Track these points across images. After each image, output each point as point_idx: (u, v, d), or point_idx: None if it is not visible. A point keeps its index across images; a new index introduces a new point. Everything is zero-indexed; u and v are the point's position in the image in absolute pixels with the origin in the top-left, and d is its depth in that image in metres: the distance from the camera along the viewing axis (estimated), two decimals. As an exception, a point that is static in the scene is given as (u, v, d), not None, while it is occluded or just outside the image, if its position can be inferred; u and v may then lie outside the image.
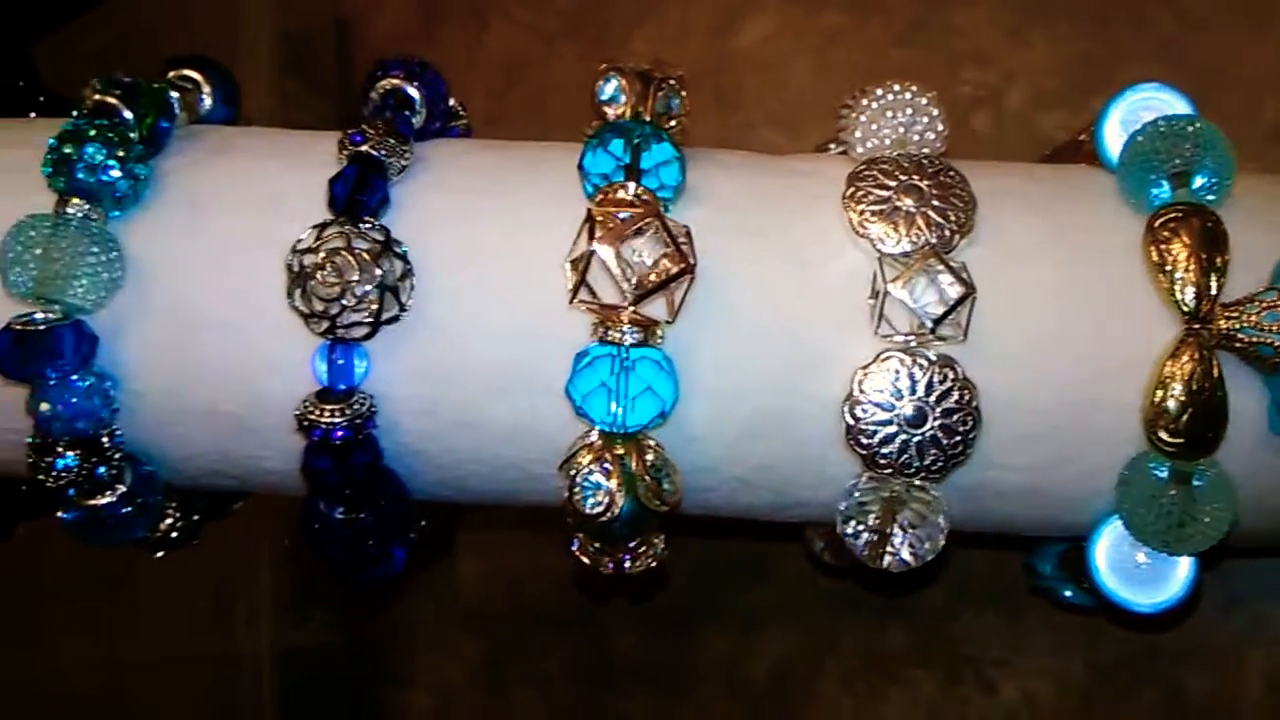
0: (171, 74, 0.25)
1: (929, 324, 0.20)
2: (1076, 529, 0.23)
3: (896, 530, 0.22)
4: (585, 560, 0.22)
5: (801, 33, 0.37)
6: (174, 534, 0.26)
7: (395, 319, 0.21)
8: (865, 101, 0.23)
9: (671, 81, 0.23)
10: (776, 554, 0.33)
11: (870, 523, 0.22)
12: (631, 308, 0.20)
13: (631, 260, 0.20)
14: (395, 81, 0.24)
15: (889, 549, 0.22)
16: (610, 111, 0.22)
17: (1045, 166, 0.24)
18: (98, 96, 0.22)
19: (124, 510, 0.23)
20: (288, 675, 0.40)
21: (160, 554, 0.26)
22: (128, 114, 0.22)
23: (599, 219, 0.20)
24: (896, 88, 0.23)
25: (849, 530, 0.22)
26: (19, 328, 0.21)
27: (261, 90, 0.43)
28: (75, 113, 0.23)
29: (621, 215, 0.20)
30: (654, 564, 0.22)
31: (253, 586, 0.40)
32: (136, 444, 0.23)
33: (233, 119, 0.26)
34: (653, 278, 0.20)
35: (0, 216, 0.22)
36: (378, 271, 0.21)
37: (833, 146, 0.26)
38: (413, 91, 0.24)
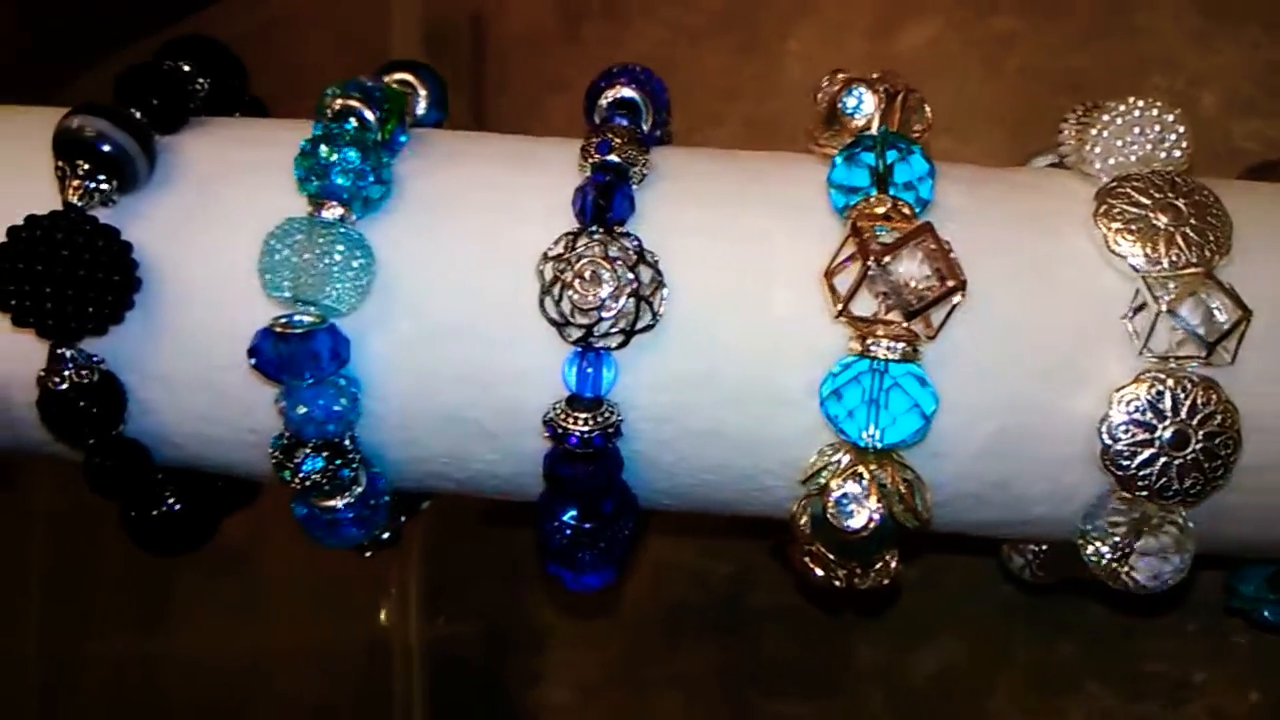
0: (388, 78, 0.26)
1: (1204, 347, 0.20)
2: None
3: (1144, 552, 0.21)
4: (819, 572, 0.22)
5: (971, 36, 0.36)
6: (385, 534, 0.26)
7: (648, 328, 0.21)
8: (1107, 117, 0.23)
9: (915, 94, 0.22)
10: (942, 565, 0.33)
11: (1116, 544, 0.21)
12: (903, 324, 0.20)
13: (903, 275, 0.20)
14: (624, 90, 0.24)
15: (1134, 571, 0.21)
16: (853, 123, 0.22)
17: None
18: (341, 101, 0.23)
19: (358, 512, 0.23)
20: (434, 666, 0.40)
21: (369, 554, 0.26)
22: (370, 117, 0.23)
23: (863, 232, 0.20)
24: (1141, 104, 0.22)
25: (1093, 551, 0.22)
26: (280, 330, 0.21)
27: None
28: (320, 115, 0.23)
29: (881, 230, 0.20)
30: (886, 581, 0.22)
31: (403, 577, 0.40)
32: (369, 447, 0.23)
33: (441, 122, 0.26)
34: (927, 293, 0.19)
35: (249, 216, 0.22)
36: (633, 281, 0.21)
37: (1040, 159, 0.26)
38: (640, 99, 0.24)
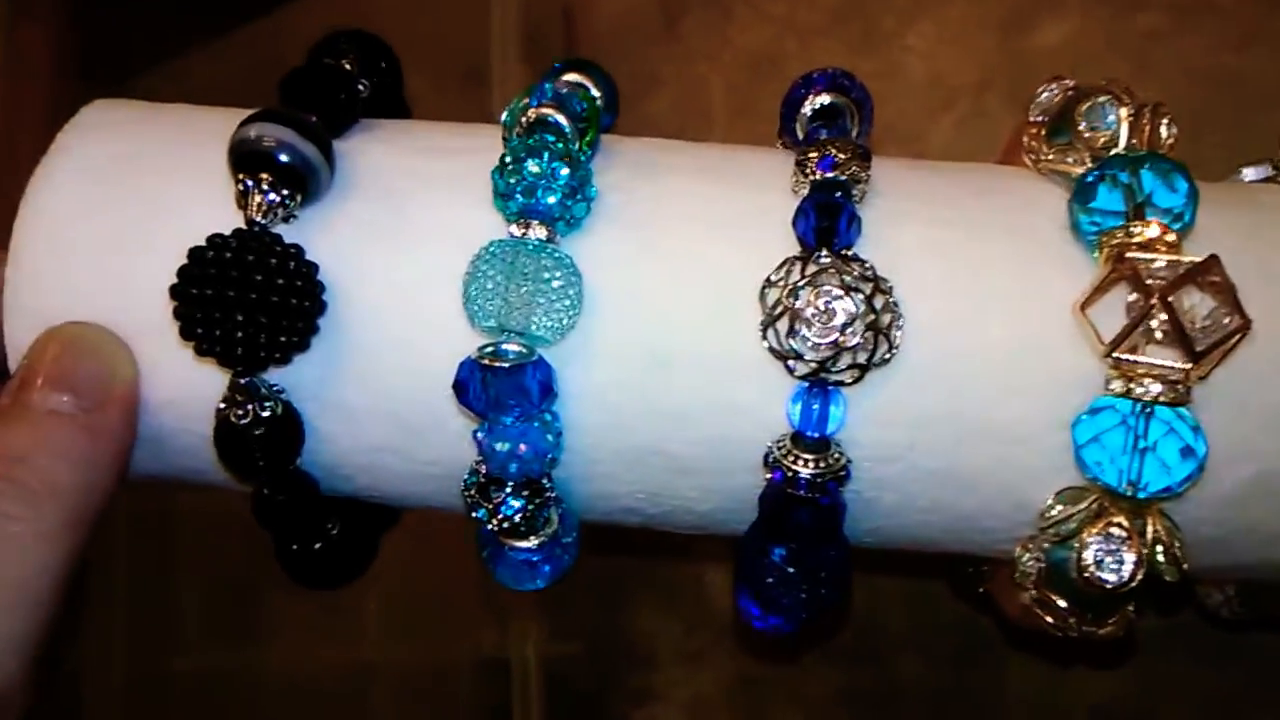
0: (557, 80, 0.24)
1: None
2: None
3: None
4: (1049, 620, 0.21)
5: (1114, 34, 0.34)
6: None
7: (884, 363, 0.20)
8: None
9: (1164, 107, 0.21)
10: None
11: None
12: (1181, 365, 0.18)
13: (1189, 313, 0.18)
14: (829, 97, 0.22)
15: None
16: (1095, 139, 0.21)
17: None
18: (535, 110, 0.21)
19: (549, 552, 0.21)
20: (546, 685, 0.39)
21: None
22: (567, 126, 0.21)
23: (1134, 265, 0.19)
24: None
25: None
26: (488, 362, 0.19)
27: (509, 79, 0.41)
28: (512, 126, 0.21)
29: (1153, 260, 0.19)
30: (1122, 632, 0.21)
31: (509, 594, 0.39)
32: (560, 482, 0.21)
33: (611, 127, 0.25)
34: (1214, 333, 0.18)
35: (442, 234, 0.21)
36: (870, 312, 0.19)
37: (1250, 170, 0.24)
38: (845, 106, 0.22)
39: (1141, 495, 0.19)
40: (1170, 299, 0.18)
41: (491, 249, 0.19)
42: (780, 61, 0.39)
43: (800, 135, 0.22)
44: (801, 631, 0.21)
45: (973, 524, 0.21)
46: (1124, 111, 0.20)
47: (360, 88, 0.23)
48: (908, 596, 0.34)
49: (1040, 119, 0.23)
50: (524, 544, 0.21)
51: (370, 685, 0.40)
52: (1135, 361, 0.19)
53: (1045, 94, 0.23)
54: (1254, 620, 0.25)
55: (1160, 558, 0.19)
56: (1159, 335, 0.18)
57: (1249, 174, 0.24)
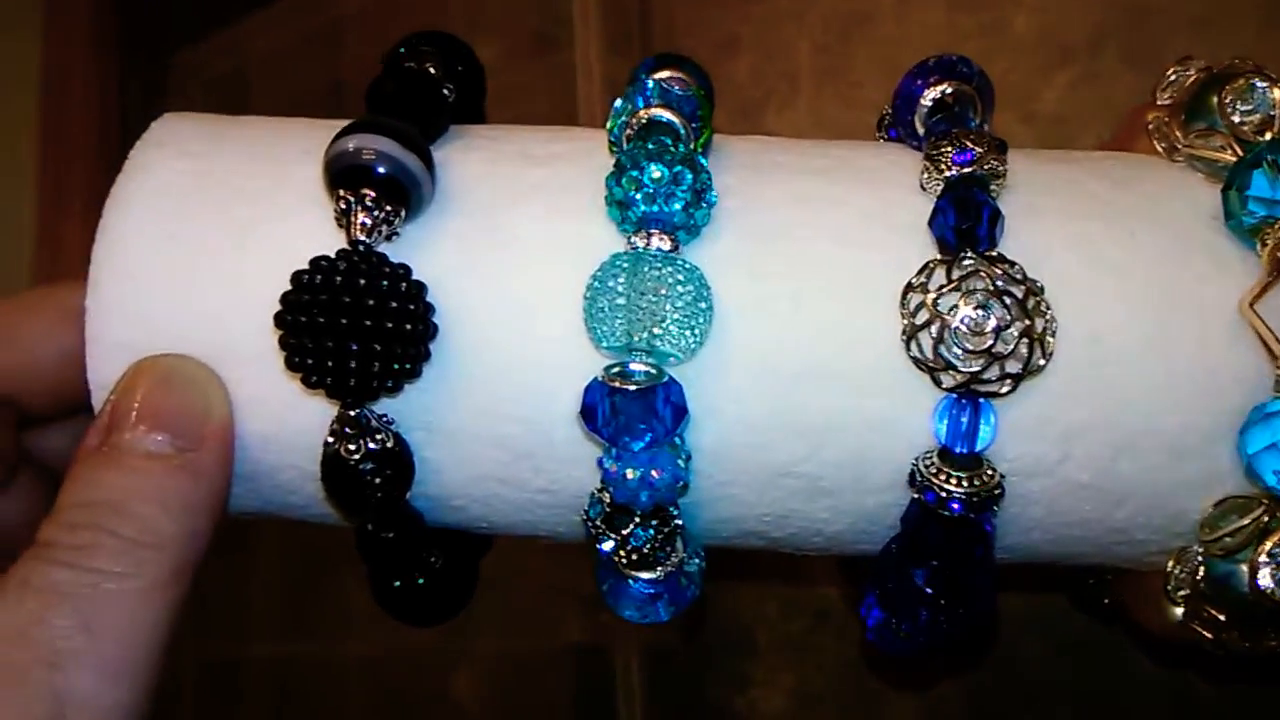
0: (653, 75, 0.22)
1: None
2: None
3: None
4: (1206, 635, 0.20)
5: None
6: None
7: (1038, 371, 0.18)
8: None
9: (1313, 88, 0.19)
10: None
11: None
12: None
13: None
14: (950, 86, 0.21)
15: None
16: (1245, 125, 0.19)
17: None
18: (644, 110, 0.19)
19: (674, 583, 0.20)
20: (648, 671, 0.37)
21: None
22: (682, 127, 0.19)
23: (1304, 257, 0.17)
24: None
25: None
26: (617, 384, 0.18)
27: (593, 57, 0.40)
28: (622, 130, 0.20)
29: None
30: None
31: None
32: (686, 507, 0.20)
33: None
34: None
35: (549, 246, 0.19)
36: (1025, 318, 0.18)
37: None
38: (969, 95, 0.21)
39: (1318, 503, 0.18)
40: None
41: (616, 262, 0.18)
42: (873, 20, 0.37)
43: (920, 129, 0.21)
44: (942, 656, 0.20)
45: (1124, 537, 0.20)
46: (1278, 93, 0.19)
47: (445, 92, 0.22)
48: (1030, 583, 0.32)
49: (1170, 101, 0.21)
50: (648, 575, 0.20)
51: (456, 673, 0.39)
52: (1312, 363, 0.18)
53: (1175, 75, 0.21)
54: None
55: (1345, 569, 0.18)
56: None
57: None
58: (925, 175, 0.20)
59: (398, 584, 0.21)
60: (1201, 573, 0.19)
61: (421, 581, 0.21)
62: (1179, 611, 0.20)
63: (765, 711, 0.35)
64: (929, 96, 0.21)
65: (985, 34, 0.36)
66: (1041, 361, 0.18)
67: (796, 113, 0.39)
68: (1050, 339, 0.18)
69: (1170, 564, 0.20)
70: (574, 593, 0.39)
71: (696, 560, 0.21)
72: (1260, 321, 0.18)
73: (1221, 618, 0.19)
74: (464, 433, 0.20)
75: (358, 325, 0.17)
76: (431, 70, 0.22)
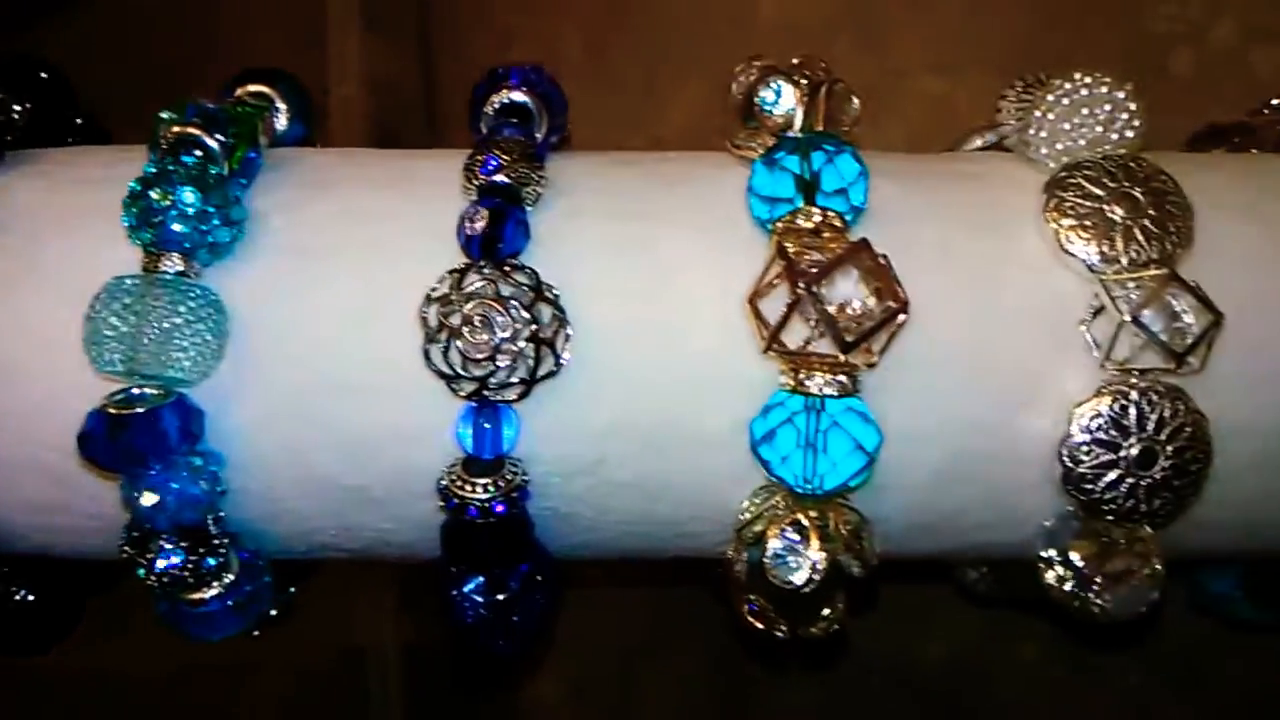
0: (240, 91, 0.22)
1: (1172, 357, 0.18)
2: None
3: (1110, 577, 0.19)
4: (760, 626, 0.20)
5: None
6: (273, 610, 0.23)
7: (551, 375, 0.19)
8: (1051, 96, 0.20)
9: (840, 84, 0.20)
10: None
11: (1080, 570, 0.20)
12: (840, 355, 0.17)
13: (839, 301, 0.17)
14: (513, 94, 0.21)
15: (1101, 597, 0.20)
16: (772, 121, 0.20)
17: (1243, 157, 0.22)
18: (177, 128, 0.19)
19: (234, 600, 0.20)
20: (414, 670, 0.37)
21: (256, 634, 0.23)
22: (213, 145, 0.19)
23: (790, 252, 0.18)
24: (1088, 80, 0.20)
25: (1054, 577, 0.20)
26: (114, 411, 0.18)
27: (350, 50, 0.39)
28: (154, 147, 0.19)
29: (811, 246, 0.18)
30: (836, 627, 0.20)
31: (377, 582, 0.37)
32: (241, 523, 0.20)
33: (308, 137, 0.23)
34: (864, 321, 0.17)
35: (77, 273, 0.19)
36: (531, 322, 0.18)
37: (981, 138, 0.24)
38: (532, 104, 0.21)
39: (820, 491, 0.18)
40: (816, 288, 0.17)
41: (111, 288, 0.18)
42: (630, 9, 0.38)
43: (485, 134, 0.21)
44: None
45: (681, 529, 0.20)
46: (796, 91, 0.19)
47: (14, 116, 0.21)
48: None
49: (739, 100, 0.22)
50: (199, 595, 0.19)
51: (231, 682, 0.39)
52: (799, 355, 0.18)
53: (743, 73, 0.22)
54: (1008, 599, 0.25)
55: (843, 555, 0.18)
56: (813, 326, 0.17)
57: (974, 141, 0.24)
58: (463, 184, 0.20)
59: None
60: (746, 563, 0.20)
61: (3, 611, 0.21)
62: (744, 602, 0.20)
63: (537, 703, 0.36)
64: (493, 103, 0.21)
65: (731, 20, 0.37)
66: (553, 366, 0.18)
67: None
68: (563, 344, 0.19)
69: (731, 555, 0.20)
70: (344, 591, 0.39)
71: (265, 576, 0.20)
72: (754, 318, 0.18)
73: (767, 605, 0.20)
74: (5, 462, 0.19)
75: None
76: (-4, 93, 0.21)
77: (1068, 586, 0.20)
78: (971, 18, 0.33)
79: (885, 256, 0.18)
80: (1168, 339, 0.18)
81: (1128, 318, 0.18)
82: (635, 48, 0.38)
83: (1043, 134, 0.20)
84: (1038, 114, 0.20)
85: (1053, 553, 0.20)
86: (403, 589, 0.37)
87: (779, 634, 0.20)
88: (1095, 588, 0.20)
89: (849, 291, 0.17)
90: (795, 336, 0.18)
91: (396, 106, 0.41)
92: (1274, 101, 0.23)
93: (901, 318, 0.17)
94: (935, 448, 0.19)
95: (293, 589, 0.23)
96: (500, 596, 0.20)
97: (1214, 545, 0.21)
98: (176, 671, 0.39)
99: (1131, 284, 0.18)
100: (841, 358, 0.17)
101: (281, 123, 0.22)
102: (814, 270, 0.17)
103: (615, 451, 0.19)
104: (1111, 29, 0.31)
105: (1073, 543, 0.20)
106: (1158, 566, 0.19)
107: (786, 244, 0.18)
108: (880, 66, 0.34)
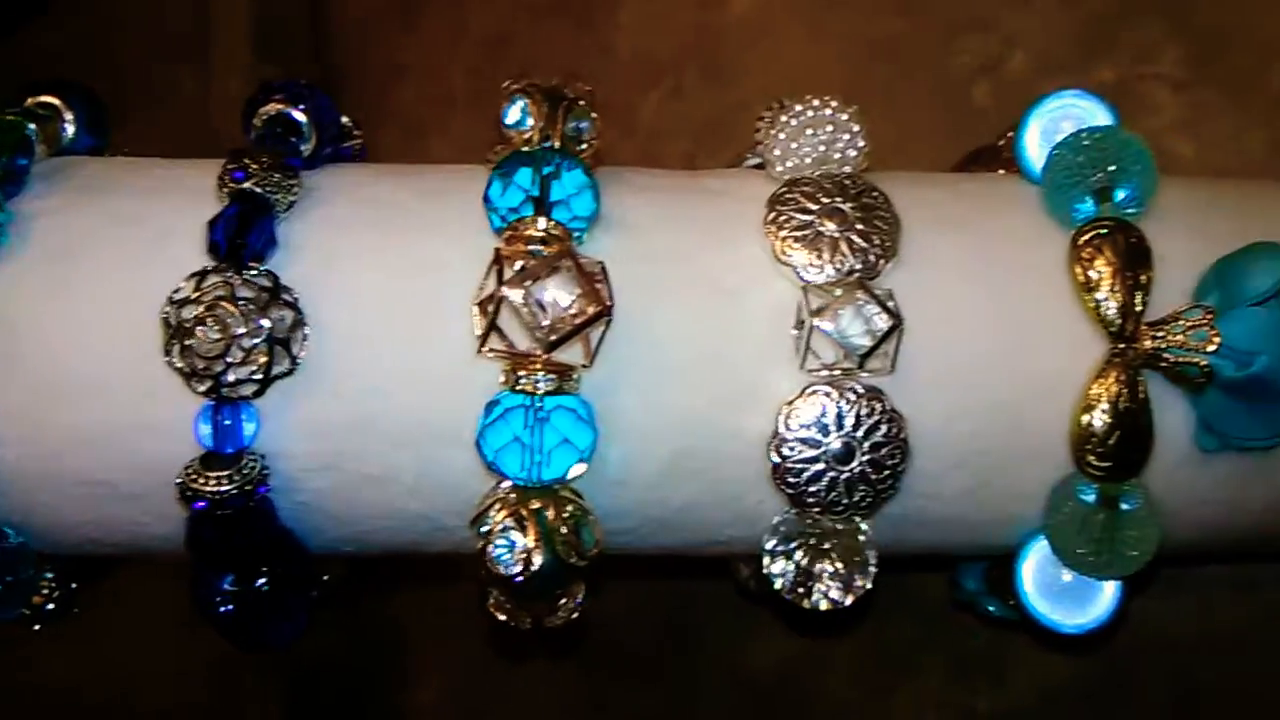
0: (29, 101, 0.23)
1: (856, 357, 0.19)
2: (1004, 548, 0.23)
3: (825, 568, 0.21)
4: (501, 617, 0.21)
5: (791, 1, 0.35)
6: (50, 605, 0.23)
7: (287, 374, 0.20)
8: (784, 118, 0.22)
9: (581, 101, 0.21)
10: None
11: (798, 562, 0.21)
12: (545, 355, 0.19)
13: (544, 303, 0.18)
14: (280, 106, 0.22)
15: (818, 587, 0.21)
16: (516, 136, 0.21)
17: (968, 177, 0.24)
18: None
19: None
20: (295, 676, 0.38)
21: (37, 628, 0.24)
22: (-27, 153, 0.20)
23: (507, 258, 0.19)
24: (816, 103, 0.22)
25: (775, 570, 0.21)
26: None
27: (237, 77, 0.40)
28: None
29: (526, 253, 0.19)
30: (575, 616, 0.21)
31: None
32: (3, 517, 0.21)
33: (101, 148, 0.24)
34: (567, 322, 0.18)
35: None
36: (265, 323, 0.19)
37: (748, 158, 0.25)
38: (300, 116, 0.22)
39: (538, 484, 0.19)
40: (522, 291, 0.18)
41: None
42: (513, 42, 0.39)
43: (250, 144, 0.22)
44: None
45: (435, 524, 0.21)
46: (534, 108, 0.21)
47: None
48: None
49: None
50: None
51: (114, 690, 0.39)
52: (516, 355, 0.19)
53: (505, 92, 0.23)
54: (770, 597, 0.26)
55: (561, 546, 0.19)
56: (516, 327, 0.19)
57: (750, 161, 0.25)
58: (218, 191, 0.21)
59: None
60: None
61: None
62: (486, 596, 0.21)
63: (415, 707, 0.36)
64: (260, 114, 0.22)
65: (598, 53, 0.38)
66: (289, 365, 0.20)
67: (453, 136, 0.40)
68: (300, 344, 0.20)
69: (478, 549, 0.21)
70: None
71: (29, 570, 0.21)
72: (478, 319, 0.19)
73: (503, 597, 0.21)
74: None
75: None
76: None
77: (789, 578, 0.21)
78: (810, 49, 0.35)
79: (601, 264, 0.19)
80: (859, 343, 0.19)
81: (817, 323, 0.19)
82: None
83: (775, 152, 0.22)
84: (772, 134, 0.22)
85: (774, 546, 0.21)
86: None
87: (522, 625, 0.21)
88: (810, 580, 0.21)
89: (554, 295, 0.18)
90: (524, 340, 0.19)
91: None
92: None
93: (604, 321, 0.19)
94: (661, 446, 0.21)
95: (74, 585, 0.24)
96: (250, 589, 0.21)
97: (932, 541, 0.23)
98: (63, 691, 0.40)
99: (838, 292, 0.20)
100: (547, 357, 0.19)
101: (70, 133, 0.23)
102: (518, 275, 0.18)
103: (359, 447, 0.20)
104: (927, 63, 0.33)
105: (790, 537, 0.21)
106: (871, 560, 0.21)
107: (503, 251, 0.19)
108: (723, 98, 0.36)
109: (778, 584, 0.21)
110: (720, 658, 0.33)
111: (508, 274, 0.19)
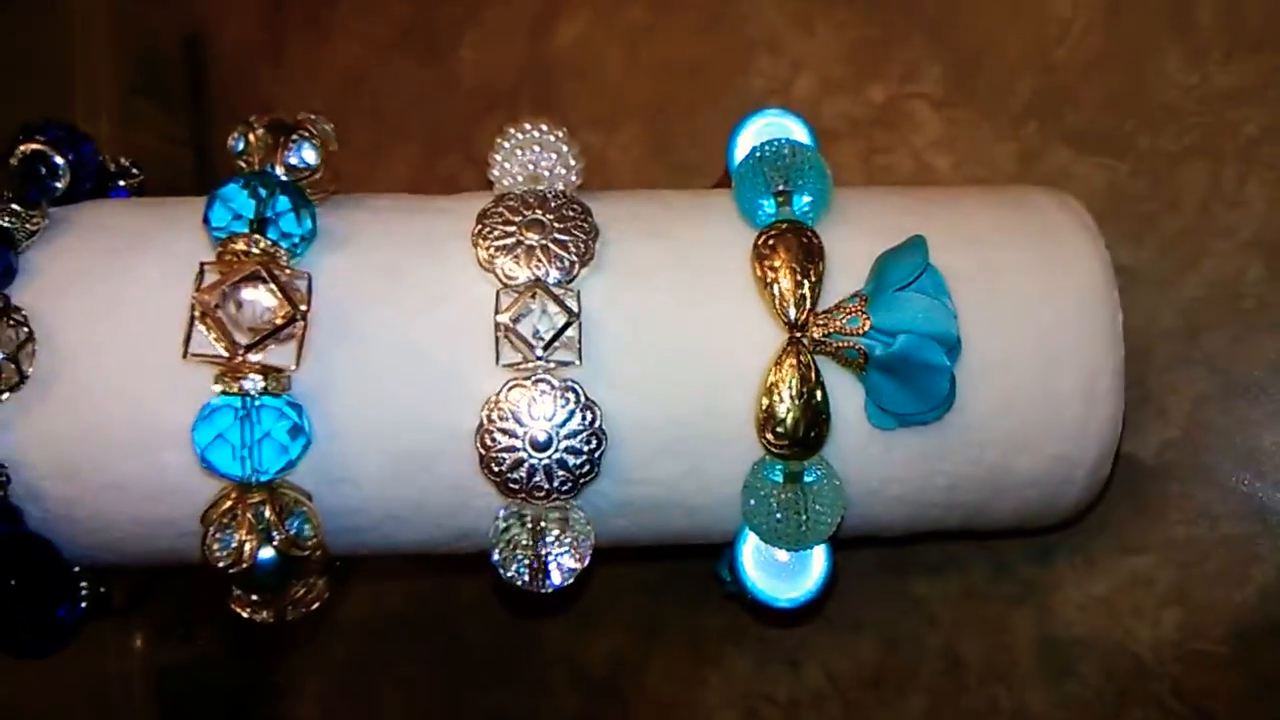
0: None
1: (539, 350, 0.21)
2: (729, 534, 0.24)
3: (547, 551, 0.22)
4: (243, 613, 0.22)
5: (611, 29, 0.37)
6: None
7: (16, 387, 0.21)
8: (500, 140, 0.24)
9: (304, 131, 0.23)
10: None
11: (521, 547, 0.22)
12: (249, 357, 0.20)
13: (242, 310, 0.20)
14: (34, 146, 0.24)
15: (543, 571, 0.22)
16: (244, 164, 0.23)
17: (684, 193, 0.26)
18: None
19: None
20: (165, 692, 0.39)
21: None
22: None
23: (209, 269, 0.21)
24: (528, 126, 0.24)
25: (499, 557, 0.22)
26: None
27: (105, 113, 0.42)
28: None
29: (231, 267, 0.21)
30: (316, 606, 0.23)
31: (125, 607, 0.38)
32: None
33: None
34: (262, 326, 0.20)
35: None
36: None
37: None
38: (55, 156, 0.24)
39: (258, 480, 0.21)
40: (208, 297, 0.20)
41: None
42: (366, 76, 0.42)
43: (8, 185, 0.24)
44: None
45: (177, 529, 0.23)
46: (252, 138, 0.22)
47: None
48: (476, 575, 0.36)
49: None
50: None
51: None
52: (228, 359, 0.21)
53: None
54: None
55: (279, 540, 0.21)
56: (213, 333, 0.20)
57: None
58: (-33, 225, 0.22)
59: None
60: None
61: None
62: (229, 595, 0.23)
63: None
64: (16, 153, 0.24)
65: (442, 84, 0.40)
66: (17, 380, 0.21)
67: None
68: (30, 360, 0.21)
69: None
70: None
71: None
72: (194, 328, 0.21)
73: (237, 591, 0.22)
74: None
75: None
76: None
77: (514, 567, 0.22)
78: (627, 75, 0.37)
79: (308, 274, 0.21)
80: (541, 338, 0.21)
81: (501, 319, 0.21)
82: (364, 113, 0.42)
83: (494, 171, 0.24)
84: (494, 154, 0.24)
85: (494, 534, 0.22)
86: (153, 615, 0.39)
87: (262, 621, 0.23)
88: (540, 561, 0.22)
89: (251, 301, 0.20)
90: (225, 343, 0.21)
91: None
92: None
93: (301, 324, 0.20)
94: (382, 444, 0.22)
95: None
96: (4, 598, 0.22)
97: (662, 526, 0.24)
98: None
99: (530, 295, 0.22)
100: (251, 359, 0.20)
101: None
102: (214, 283, 0.20)
103: (94, 456, 0.22)
104: (726, 85, 0.36)
105: (510, 526, 0.22)
106: (588, 531, 0.22)
107: (207, 264, 0.21)
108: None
109: (503, 573, 0.22)
110: (559, 653, 0.34)
111: (206, 282, 0.20)
